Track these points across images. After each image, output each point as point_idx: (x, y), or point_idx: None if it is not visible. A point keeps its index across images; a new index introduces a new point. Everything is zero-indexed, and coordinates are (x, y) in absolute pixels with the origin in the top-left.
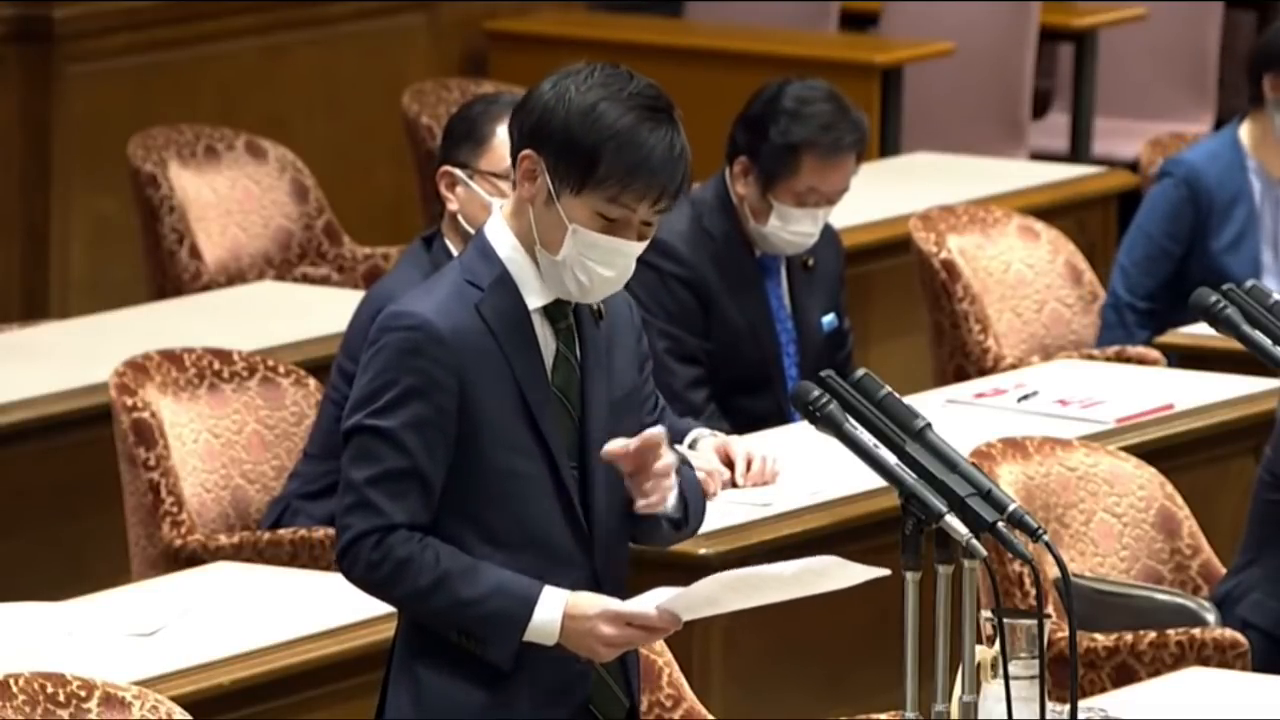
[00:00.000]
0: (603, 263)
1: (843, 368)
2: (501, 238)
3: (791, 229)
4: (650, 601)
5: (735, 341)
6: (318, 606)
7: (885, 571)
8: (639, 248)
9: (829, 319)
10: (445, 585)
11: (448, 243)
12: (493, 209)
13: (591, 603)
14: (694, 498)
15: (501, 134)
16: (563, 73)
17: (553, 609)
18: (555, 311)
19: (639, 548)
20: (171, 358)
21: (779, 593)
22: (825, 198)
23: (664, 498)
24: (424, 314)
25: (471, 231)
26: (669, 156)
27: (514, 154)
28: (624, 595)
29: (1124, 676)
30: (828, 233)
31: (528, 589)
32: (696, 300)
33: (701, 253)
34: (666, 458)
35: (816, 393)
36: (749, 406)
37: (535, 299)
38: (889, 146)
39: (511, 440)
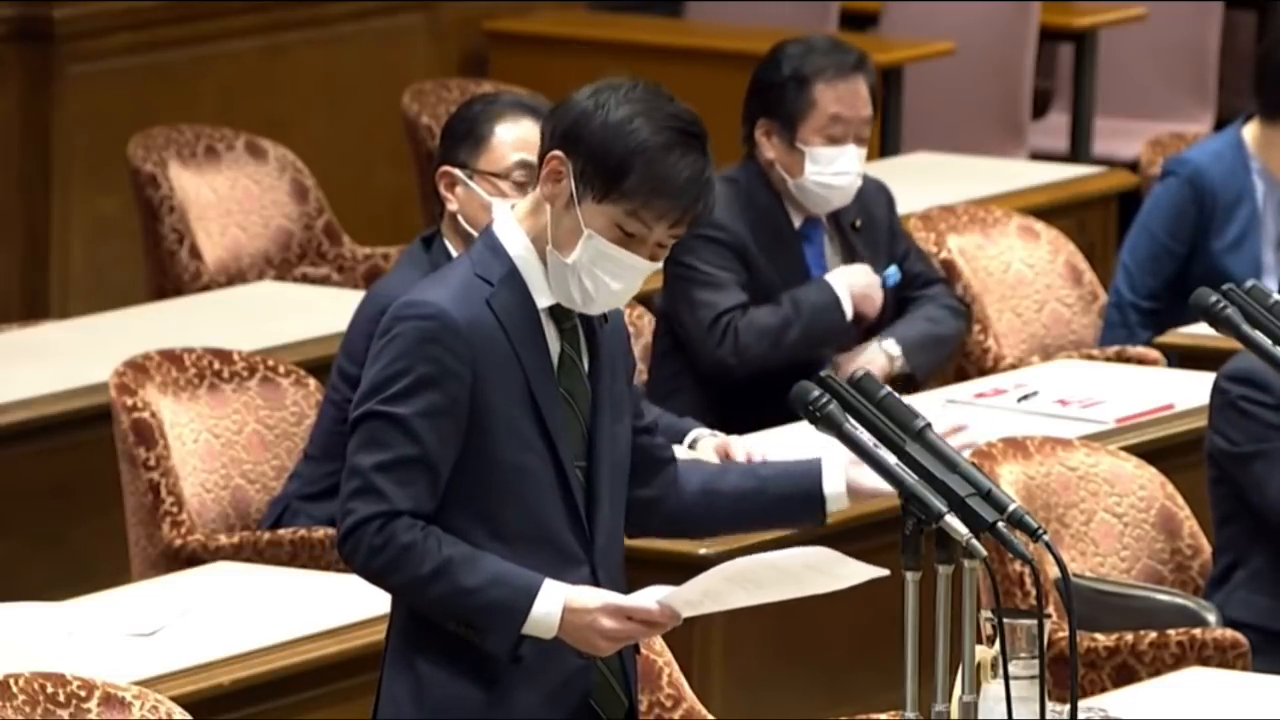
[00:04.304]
0: (612, 274)
1: (909, 303)
2: (513, 236)
3: (831, 171)
4: (650, 596)
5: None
6: (318, 606)
7: (885, 571)
8: (650, 267)
9: (891, 271)
10: (446, 573)
11: (447, 243)
12: (493, 209)
13: (592, 596)
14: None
15: (501, 134)
16: (603, 83)
17: (553, 601)
18: (560, 312)
19: (637, 546)
20: (171, 358)
21: (780, 591)
22: (851, 128)
23: None
24: (440, 303)
25: (471, 231)
26: (695, 181)
27: (541, 155)
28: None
29: (1124, 676)
30: (874, 186)
31: (529, 581)
32: (738, 259)
33: (740, 221)
34: None
35: (816, 393)
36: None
37: (543, 299)
38: (889, 146)
39: (520, 436)
